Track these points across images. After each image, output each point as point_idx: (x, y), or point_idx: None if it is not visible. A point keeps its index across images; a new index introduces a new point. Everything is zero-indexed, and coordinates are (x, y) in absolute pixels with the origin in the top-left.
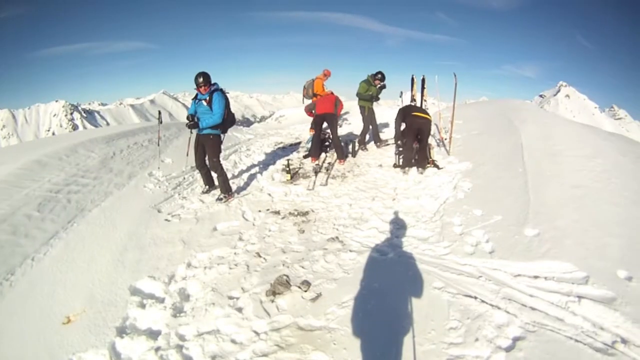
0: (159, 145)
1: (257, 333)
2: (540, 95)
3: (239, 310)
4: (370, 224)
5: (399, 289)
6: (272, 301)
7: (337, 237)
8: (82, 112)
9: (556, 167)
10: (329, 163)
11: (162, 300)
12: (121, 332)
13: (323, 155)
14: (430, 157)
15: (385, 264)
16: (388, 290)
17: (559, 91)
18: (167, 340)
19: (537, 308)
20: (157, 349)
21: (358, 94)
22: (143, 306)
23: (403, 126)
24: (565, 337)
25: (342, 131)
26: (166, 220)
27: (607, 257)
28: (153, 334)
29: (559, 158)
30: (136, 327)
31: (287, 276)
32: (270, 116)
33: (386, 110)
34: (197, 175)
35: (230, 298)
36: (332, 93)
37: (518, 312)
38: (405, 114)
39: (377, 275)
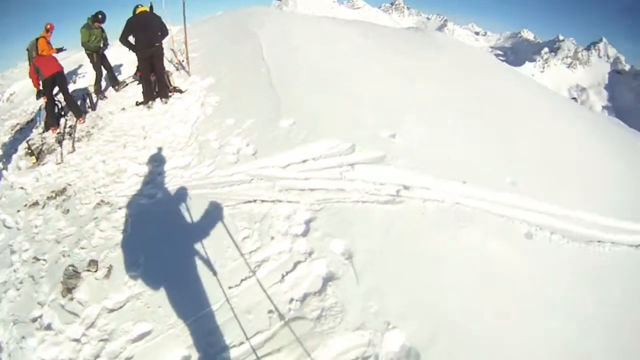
0: None
1: (77, 340)
2: None
3: (49, 327)
4: (129, 172)
5: (182, 224)
6: (72, 299)
7: (102, 201)
8: None
9: (299, 60)
10: (71, 126)
11: None
12: None
13: (63, 120)
14: (171, 84)
15: (158, 205)
16: (171, 229)
17: None
18: None
19: (315, 188)
20: None
21: (83, 44)
22: None
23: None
24: (351, 202)
25: (77, 86)
26: None
27: (366, 124)
28: None
29: (301, 52)
30: None
31: (72, 265)
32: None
33: (118, 50)
34: None
35: (34, 320)
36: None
37: (300, 198)
38: (136, 44)
39: (155, 219)
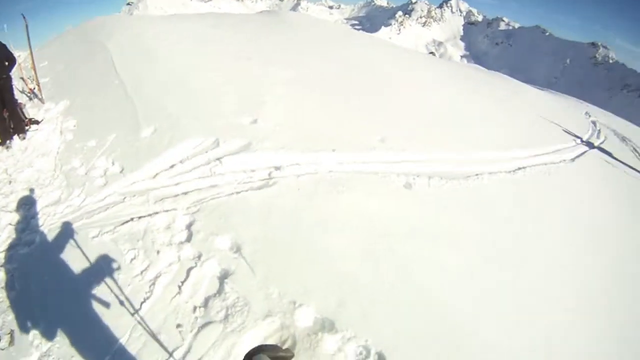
0: None
1: None
2: (128, 4)
3: None
4: (1, 223)
5: (67, 263)
6: None
7: None
8: None
9: (152, 64)
10: None
11: None
12: None
13: None
14: (26, 117)
15: (39, 251)
16: (59, 272)
17: None
18: None
19: (189, 190)
20: None
21: None
22: None
23: None
24: (226, 196)
25: None
26: None
27: (227, 115)
28: None
29: (153, 55)
30: None
31: None
32: None
33: None
34: None
35: None
36: None
37: (175, 205)
38: None
39: (40, 266)
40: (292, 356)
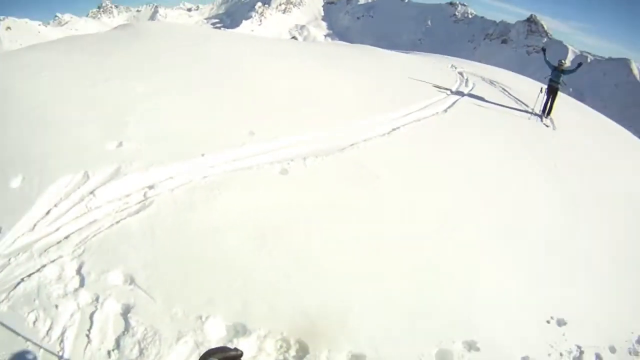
0: None
1: None
2: None
3: None
4: None
5: None
6: None
7: None
8: None
9: (10, 104)
10: None
11: None
12: None
13: None
14: None
15: None
16: None
17: None
18: None
19: (69, 233)
20: None
21: None
22: None
23: None
24: (107, 229)
25: None
26: None
27: (90, 144)
28: None
29: (10, 92)
30: None
31: None
32: None
33: None
34: None
35: None
36: None
37: (60, 252)
38: None
39: None
40: (242, 354)
